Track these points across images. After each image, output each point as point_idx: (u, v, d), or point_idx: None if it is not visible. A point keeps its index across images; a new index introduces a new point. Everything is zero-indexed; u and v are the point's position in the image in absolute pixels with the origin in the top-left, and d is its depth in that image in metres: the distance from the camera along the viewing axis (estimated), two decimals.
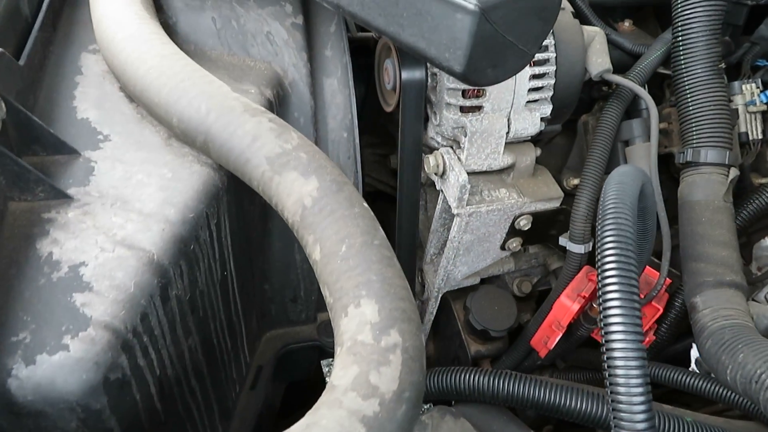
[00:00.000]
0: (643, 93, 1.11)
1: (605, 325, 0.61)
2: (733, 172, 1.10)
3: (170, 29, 1.04)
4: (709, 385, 1.04)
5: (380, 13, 0.75)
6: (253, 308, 1.12)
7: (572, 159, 1.28)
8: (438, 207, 1.18)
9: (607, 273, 0.62)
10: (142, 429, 0.72)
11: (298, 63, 1.08)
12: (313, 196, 0.76)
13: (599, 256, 0.65)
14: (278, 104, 1.05)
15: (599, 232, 0.67)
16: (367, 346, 0.65)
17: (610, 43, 1.30)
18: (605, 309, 0.61)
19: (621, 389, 0.59)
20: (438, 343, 1.44)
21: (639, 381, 0.58)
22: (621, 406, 0.59)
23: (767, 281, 1.18)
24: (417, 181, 1.13)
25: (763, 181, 1.26)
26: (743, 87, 1.24)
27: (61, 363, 0.60)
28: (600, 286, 0.63)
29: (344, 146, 1.13)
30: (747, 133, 1.24)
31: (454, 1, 0.66)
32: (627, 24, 1.37)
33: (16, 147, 0.75)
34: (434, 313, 1.31)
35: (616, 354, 0.59)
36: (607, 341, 0.60)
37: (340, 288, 0.71)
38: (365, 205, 0.79)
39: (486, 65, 0.71)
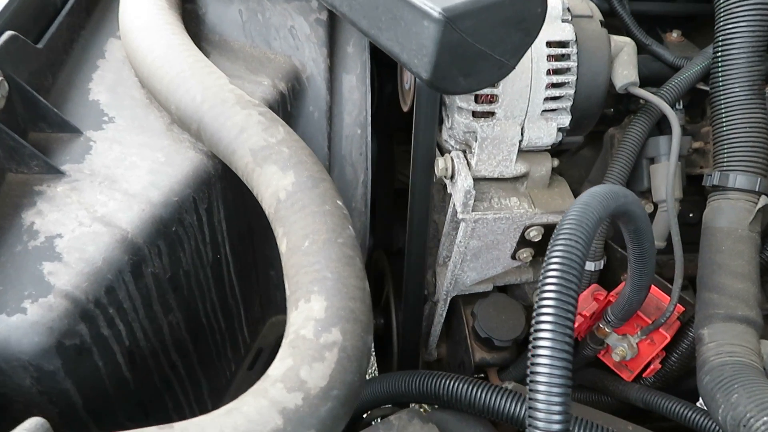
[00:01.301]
0: (667, 109, 1.05)
1: (533, 347, 0.60)
2: (763, 200, 1.03)
3: (199, 19, 1.09)
4: (708, 423, 0.98)
5: (364, 15, 0.76)
6: (256, 293, 1.16)
7: (594, 172, 1.23)
8: (449, 210, 1.18)
9: (545, 295, 0.61)
10: (106, 394, 0.77)
11: (318, 58, 1.10)
12: (287, 190, 0.78)
13: (541, 277, 0.63)
14: (293, 97, 1.08)
15: (548, 252, 0.65)
16: (307, 341, 0.66)
17: (651, 54, 1.24)
18: (536, 330, 0.60)
19: (540, 414, 0.57)
20: (449, 346, 1.43)
21: (559, 409, 0.57)
22: None
23: None
24: (429, 182, 1.12)
25: None
26: None
27: (16, 324, 0.65)
28: (536, 306, 0.62)
29: (357, 142, 1.14)
30: None
31: (422, 8, 0.65)
32: (675, 35, 1.30)
33: (23, 123, 0.82)
34: (443, 315, 1.31)
35: (539, 378, 0.58)
36: (532, 364, 0.59)
37: (296, 282, 0.72)
38: (339, 202, 0.80)
39: (456, 73, 0.70)
